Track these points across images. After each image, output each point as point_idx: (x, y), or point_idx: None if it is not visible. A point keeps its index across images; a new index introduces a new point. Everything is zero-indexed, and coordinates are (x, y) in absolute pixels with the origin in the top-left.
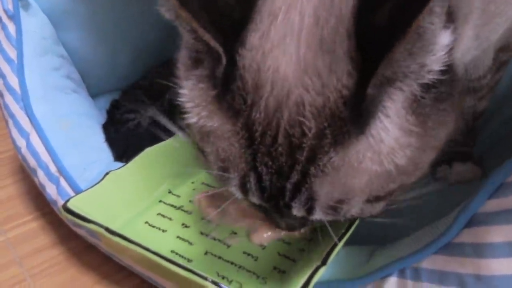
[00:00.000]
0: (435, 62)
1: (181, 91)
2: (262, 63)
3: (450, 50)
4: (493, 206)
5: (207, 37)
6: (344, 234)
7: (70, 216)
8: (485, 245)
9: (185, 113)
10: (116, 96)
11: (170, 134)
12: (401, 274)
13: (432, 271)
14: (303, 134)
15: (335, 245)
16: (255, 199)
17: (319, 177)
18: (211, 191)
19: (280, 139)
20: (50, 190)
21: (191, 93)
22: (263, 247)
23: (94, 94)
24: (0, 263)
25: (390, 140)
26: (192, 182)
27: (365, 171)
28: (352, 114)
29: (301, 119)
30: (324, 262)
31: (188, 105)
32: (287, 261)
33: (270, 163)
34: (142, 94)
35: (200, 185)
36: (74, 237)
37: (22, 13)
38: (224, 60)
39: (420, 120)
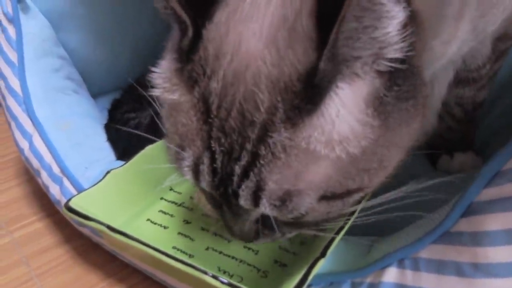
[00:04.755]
0: (388, 46)
1: (154, 69)
2: (225, 36)
3: (409, 38)
4: (489, 195)
5: (175, 5)
6: (343, 226)
7: (72, 215)
8: (482, 233)
9: (152, 87)
10: (117, 95)
11: None
12: (400, 264)
13: (431, 261)
14: (256, 108)
15: (334, 237)
16: (205, 185)
17: (268, 160)
18: None
19: (234, 112)
20: (54, 190)
21: (161, 69)
22: None
23: (95, 94)
24: (7, 263)
25: (343, 127)
26: None
27: (315, 156)
28: (305, 89)
29: (256, 90)
30: (323, 254)
31: (156, 81)
32: (288, 254)
33: (222, 140)
34: (143, 92)
35: None
36: (79, 237)
37: (21, 16)
38: (190, 32)
39: (381, 116)
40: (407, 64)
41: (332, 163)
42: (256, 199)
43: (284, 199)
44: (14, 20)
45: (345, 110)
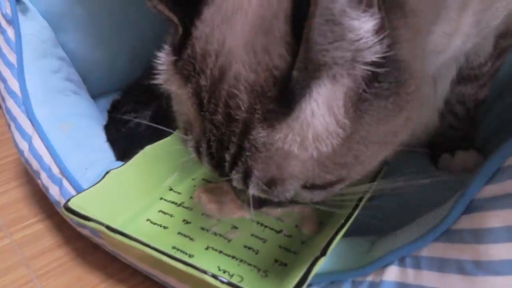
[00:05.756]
0: (364, 51)
1: (158, 53)
2: (210, 35)
3: (386, 40)
4: (490, 192)
5: (162, 7)
6: (344, 225)
7: (71, 215)
8: (484, 230)
9: (156, 74)
10: (117, 96)
11: (169, 131)
12: (401, 262)
13: (432, 259)
14: (238, 107)
15: (335, 236)
16: (206, 165)
17: (252, 152)
18: (210, 186)
19: (221, 108)
20: (53, 191)
21: (161, 59)
22: (264, 241)
23: (95, 95)
24: (7, 265)
25: (317, 127)
26: (193, 179)
27: (293, 154)
28: (280, 95)
29: (236, 92)
30: (323, 253)
31: (159, 67)
32: (288, 253)
33: (214, 131)
34: (143, 92)
35: (201, 181)
36: (79, 238)
37: (20, 17)
38: (180, 30)
39: (356, 113)
40: (389, 62)
41: (307, 159)
42: (245, 182)
43: (270, 184)
44: (13, 22)
45: (319, 112)
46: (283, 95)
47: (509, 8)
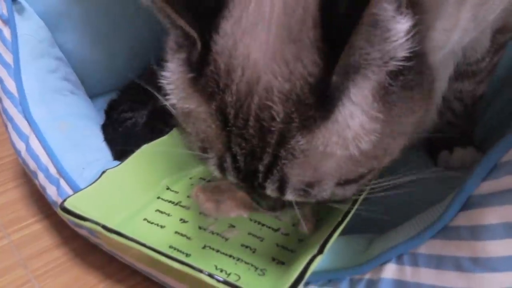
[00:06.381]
0: (397, 48)
1: (163, 73)
2: (233, 50)
3: (415, 36)
4: (487, 188)
5: (181, 22)
6: (341, 222)
7: (67, 215)
8: (481, 227)
9: (166, 94)
10: (114, 96)
11: (167, 130)
12: (399, 260)
13: (429, 256)
14: (272, 118)
15: (332, 233)
16: (232, 179)
17: (289, 160)
18: (207, 185)
19: (252, 122)
20: (51, 191)
21: (172, 75)
22: (262, 239)
23: (92, 95)
24: (4, 265)
25: (355, 126)
26: (190, 178)
27: (332, 155)
28: (318, 101)
29: (270, 104)
30: (320, 251)
31: (168, 87)
32: (286, 252)
33: (243, 144)
34: (140, 92)
35: (198, 180)
36: (77, 238)
37: (16, 17)
38: (199, 45)
39: (386, 106)
40: (414, 56)
41: (346, 157)
42: (281, 190)
43: (306, 188)
44: (9, 21)
45: (357, 110)
46: (320, 100)
47: (505, 2)
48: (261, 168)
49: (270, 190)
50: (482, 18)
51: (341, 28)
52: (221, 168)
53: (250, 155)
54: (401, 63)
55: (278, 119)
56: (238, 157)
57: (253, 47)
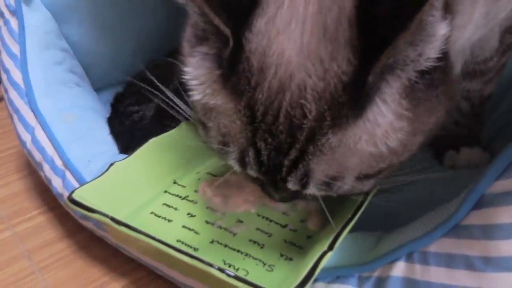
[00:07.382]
0: (433, 50)
1: (185, 68)
2: (267, 48)
3: (446, 38)
4: (501, 187)
5: (217, 21)
6: (351, 219)
7: (75, 207)
8: (494, 226)
9: (189, 90)
10: (120, 89)
11: (175, 124)
12: (409, 258)
13: (440, 254)
14: (304, 115)
15: (342, 230)
16: (252, 173)
17: (316, 156)
18: (215, 179)
19: (281, 118)
20: (56, 183)
21: (196, 71)
22: (269, 235)
23: (98, 88)
24: (8, 257)
25: (385, 124)
26: (197, 172)
27: (360, 152)
28: (351, 99)
29: (303, 101)
30: (331, 248)
31: (192, 82)
32: (293, 248)
33: (270, 139)
34: (146, 85)
35: (205, 175)
36: (81, 230)
37: (24, 8)
38: (231, 43)
39: (413, 104)
40: (444, 56)
41: (370, 153)
42: (304, 184)
43: (329, 182)
44: (16, 12)
45: (387, 109)
46: (353, 99)
47: None
48: (286, 162)
49: (292, 183)
50: (493, 15)
51: (380, 29)
52: (242, 161)
53: (275, 150)
54: (433, 63)
55: (310, 117)
56: (262, 152)
57: (287, 46)
